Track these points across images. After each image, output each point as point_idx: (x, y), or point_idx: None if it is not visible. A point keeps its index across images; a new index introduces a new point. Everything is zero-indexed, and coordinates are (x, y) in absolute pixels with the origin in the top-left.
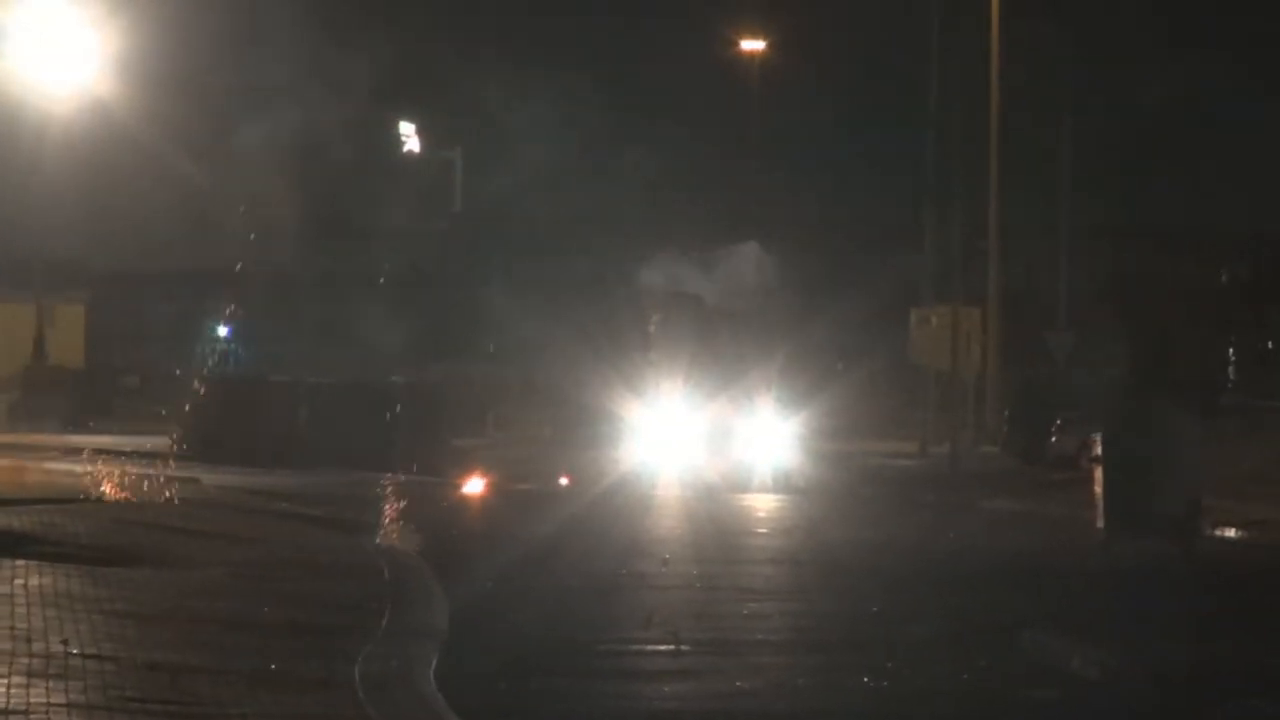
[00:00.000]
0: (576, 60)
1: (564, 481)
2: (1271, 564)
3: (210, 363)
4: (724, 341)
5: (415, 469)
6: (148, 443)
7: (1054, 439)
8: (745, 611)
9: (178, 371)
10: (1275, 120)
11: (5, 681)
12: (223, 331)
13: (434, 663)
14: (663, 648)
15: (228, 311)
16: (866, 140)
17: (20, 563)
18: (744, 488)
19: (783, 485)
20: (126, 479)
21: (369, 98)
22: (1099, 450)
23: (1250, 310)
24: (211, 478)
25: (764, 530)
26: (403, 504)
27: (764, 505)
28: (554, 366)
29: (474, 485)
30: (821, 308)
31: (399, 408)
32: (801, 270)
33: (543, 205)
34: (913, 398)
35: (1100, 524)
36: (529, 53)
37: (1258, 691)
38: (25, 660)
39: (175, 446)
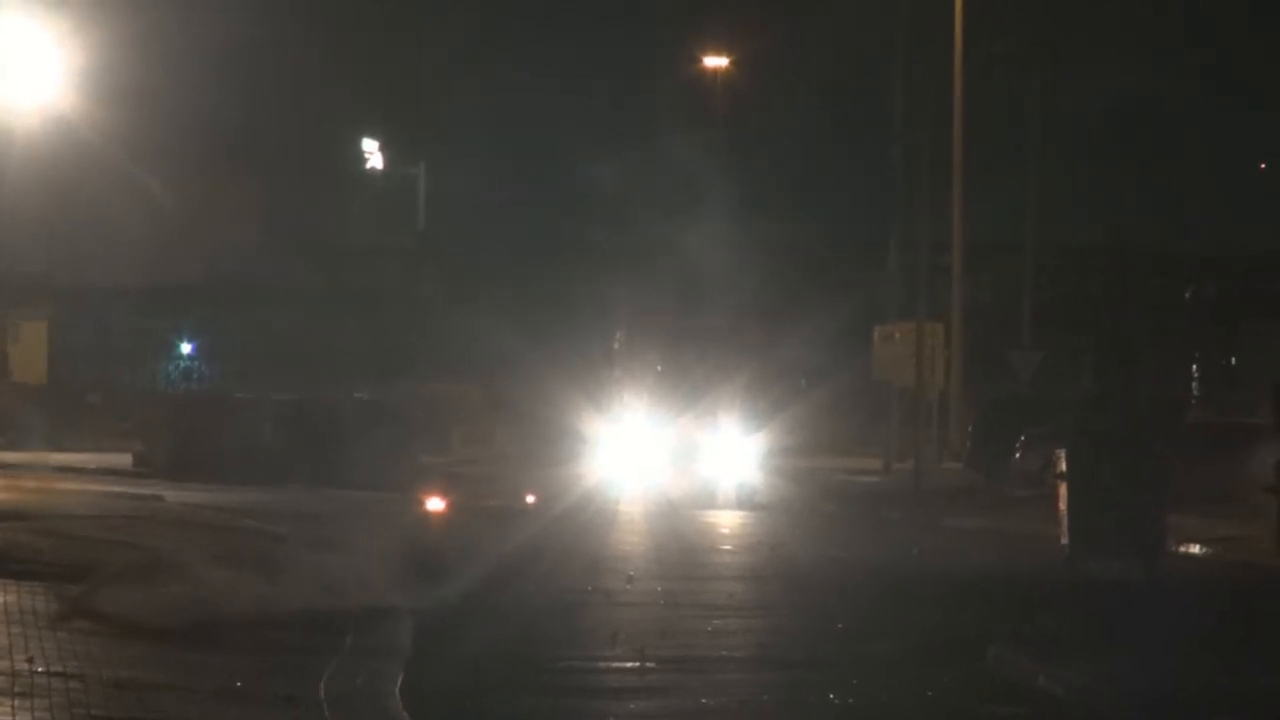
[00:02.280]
0: (542, 77)
1: (529, 499)
2: (1236, 581)
3: (174, 379)
4: (689, 358)
5: (382, 485)
6: (111, 459)
7: (1018, 456)
8: (710, 628)
9: (141, 388)
10: (1243, 140)
11: None
12: (186, 348)
13: (399, 680)
14: (628, 665)
15: (191, 328)
16: (831, 157)
17: None
18: (708, 504)
19: (747, 502)
20: (90, 496)
21: (331, 114)
22: (1063, 467)
23: (1215, 328)
24: (175, 495)
25: (728, 547)
26: (368, 520)
27: (728, 522)
28: (519, 383)
29: (439, 502)
30: (787, 325)
31: (364, 424)
32: (768, 287)
33: (508, 222)
34: (877, 415)
35: (1065, 541)
36: (493, 69)
37: (1223, 710)
38: None
39: (139, 463)
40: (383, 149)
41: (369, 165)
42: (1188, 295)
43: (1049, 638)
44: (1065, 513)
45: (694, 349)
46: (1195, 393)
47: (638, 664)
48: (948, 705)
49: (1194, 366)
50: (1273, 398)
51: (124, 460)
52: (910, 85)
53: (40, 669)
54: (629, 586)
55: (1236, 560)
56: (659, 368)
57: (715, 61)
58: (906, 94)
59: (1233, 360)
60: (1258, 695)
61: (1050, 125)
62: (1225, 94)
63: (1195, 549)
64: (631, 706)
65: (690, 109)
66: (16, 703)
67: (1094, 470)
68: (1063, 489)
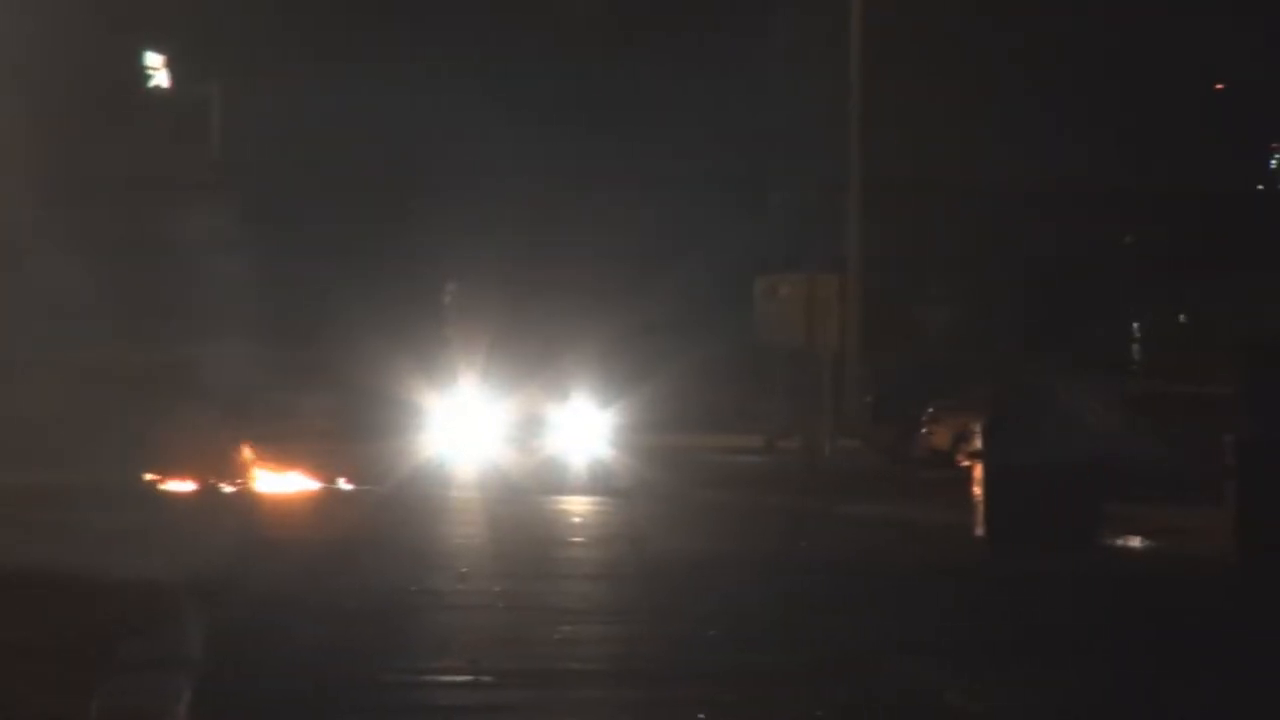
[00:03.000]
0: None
1: (343, 481)
2: (1179, 579)
3: None
4: (533, 316)
5: (167, 467)
6: None
7: (925, 431)
8: (558, 635)
9: None
10: (1194, 69)
11: None
12: None
13: (186, 698)
14: (460, 679)
15: None
16: (703, 77)
17: None
18: (556, 489)
19: (602, 486)
20: None
21: (105, 23)
22: (979, 444)
23: (1162, 280)
24: None
25: (580, 539)
26: (152, 510)
27: (580, 510)
28: (334, 344)
29: (238, 487)
30: (651, 277)
31: (143, 394)
32: (628, 230)
33: (322, 152)
34: (759, 384)
35: (980, 532)
36: None
37: None
38: None
39: None
40: (170, 64)
41: (153, 83)
42: (1129, 241)
43: (957, 646)
44: (981, 499)
45: (539, 305)
46: (1137, 356)
47: (471, 678)
48: None
49: (1135, 325)
50: (1237, 360)
51: None
52: None
53: None
54: (461, 586)
55: (1183, 555)
56: (497, 327)
57: None
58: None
59: (1181, 318)
60: (1186, 710)
61: (973, 41)
62: (1175, 7)
63: (1136, 541)
64: None
65: (552, 20)
66: None
67: (1015, 449)
68: (978, 471)
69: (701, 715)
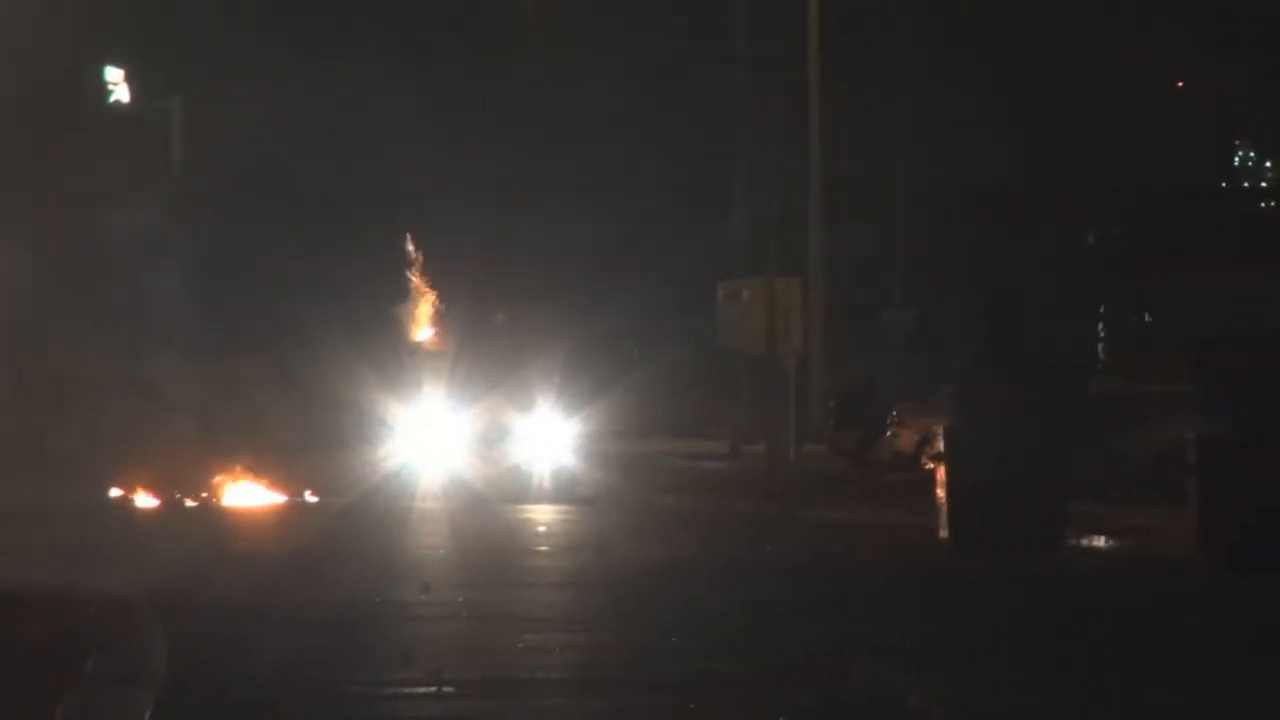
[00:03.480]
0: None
1: (308, 493)
2: (1145, 580)
3: None
4: (498, 326)
5: (133, 482)
6: None
7: (889, 434)
8: (521, 645)
9: None
10: (1155, 68)
11: None
12: None
13: (149, 712)
14: (423, 690)
15: None
16: (666, 85)
17: None
18: (521, 498)
19: (567, 494)
20: None
21: (65, 38)
22: (941, 446)
23: (1125, 279)
24: None
25: (545, 548)
26: (116, 524)
27: (545, 519)
28: (300, 356)
29: (202, 501)
30: (616, 284)
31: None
32: (593, 240)
33: (284, 166)
34: (724, 389)
35: (945, 534)
36: None
37: None
38: None
39: None
40: (130, 79)
41: (114, 99)
42: (1092, 240)
43: (920, 650)
44: (944, 501)
45: (504, 315)
46: (1102, 356)
47: (434, 689)
48: None
49: (1100, 326)
50: (1187, 358)
51: None
52: None
53: None
54: (425, 596)
55: (1148, 554)
56: (461, 337)
57: None
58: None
59: (1146, 318)
60: (1155, 713)
61: (933, 44)
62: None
63: (1100, 541)
64: None
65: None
66: None
67: (978, 450)
68: (941, 473)
69: None
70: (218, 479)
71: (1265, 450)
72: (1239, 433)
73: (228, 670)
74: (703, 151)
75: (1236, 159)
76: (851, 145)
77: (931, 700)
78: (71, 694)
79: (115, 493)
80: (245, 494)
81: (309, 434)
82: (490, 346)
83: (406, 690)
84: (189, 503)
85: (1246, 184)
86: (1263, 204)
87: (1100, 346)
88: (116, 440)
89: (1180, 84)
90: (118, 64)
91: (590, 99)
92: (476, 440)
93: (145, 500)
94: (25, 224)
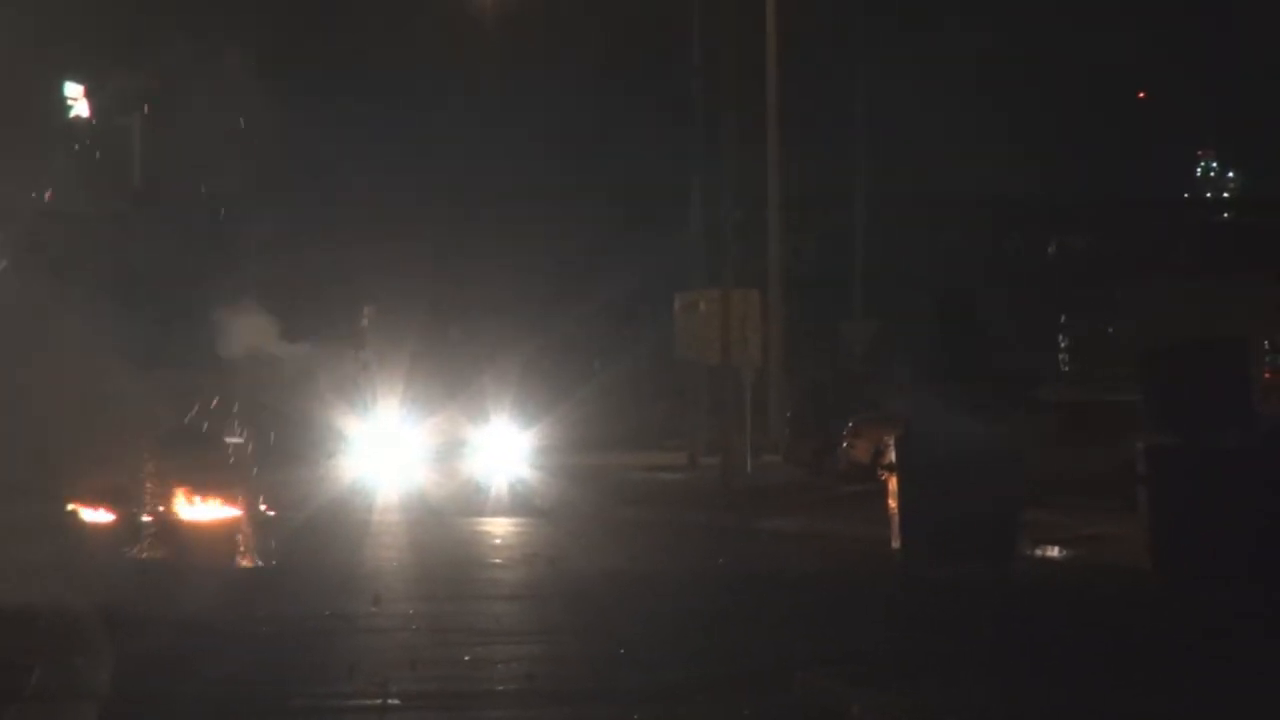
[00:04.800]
0: (280, 11)
1: (263, 507)
2: (1098, 589)
3: None
4: (452, 338)
5: (86, 497)
6: None
7: (846, 445)
8: (469, 657)
9: None
10: (1118, 78)
11: None
12: None
13: None
14: (368, 702)
15: None
16: (624, 98)
17: None
18: (476, 510)
19: (523, 506)
20: None
21: (26, 53)
22: (893, 457)
23: (1087, 289)
24: None
25: (499, 560)
26: (69, 540)
27: (500, 530)
28: (256, 370)
29: (158, 516)
30: (574, 296)
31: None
32: (551, 251)
33: (242, 181)
34: (683, 401)
35: (896, 544)
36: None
37: None
38: None
39: None
40: (90, 95)
41: (74, 114)
42: (1053, 250)
43: (868, 660)
44: (896, 510)
45: (459, 327)
46: (1065, 366)
47: (379, 701)
48: None
49: (1060, 336)
50: (1139, 368)
51: None
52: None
53: None
54: (376, 609)
55: (1101, 564)
56: (416, 349)
57: None
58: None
59: (1110, 330)
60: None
61: (890, 53)
62: (1099, 19)
63: (1054, 551)
64: None
65: (456, 48)
66: None
67: (931, 459)
68: (893, 483)
69: None
70: (173, 493)
71: (1212, 460)
72: (1187, 443)
73: (175, 685)
74: (661, 164)
75: (1199, 169)
76: (811, 158)
77: (874, 711)
78: (12, 710)
79: (69, 508)
80: (202, 508)
81: (267, 448)
82: (446, 359)
83: (353, 703)
84: (145, 518)
85: (1209, 194)
86: (1224, 214)
87: (1064, 356)
88: (68, 456)
89: (1143, 95)
90: (77, 79)
91: (548, 111)
92: (433, 453)
93: (99, 515)
94: None
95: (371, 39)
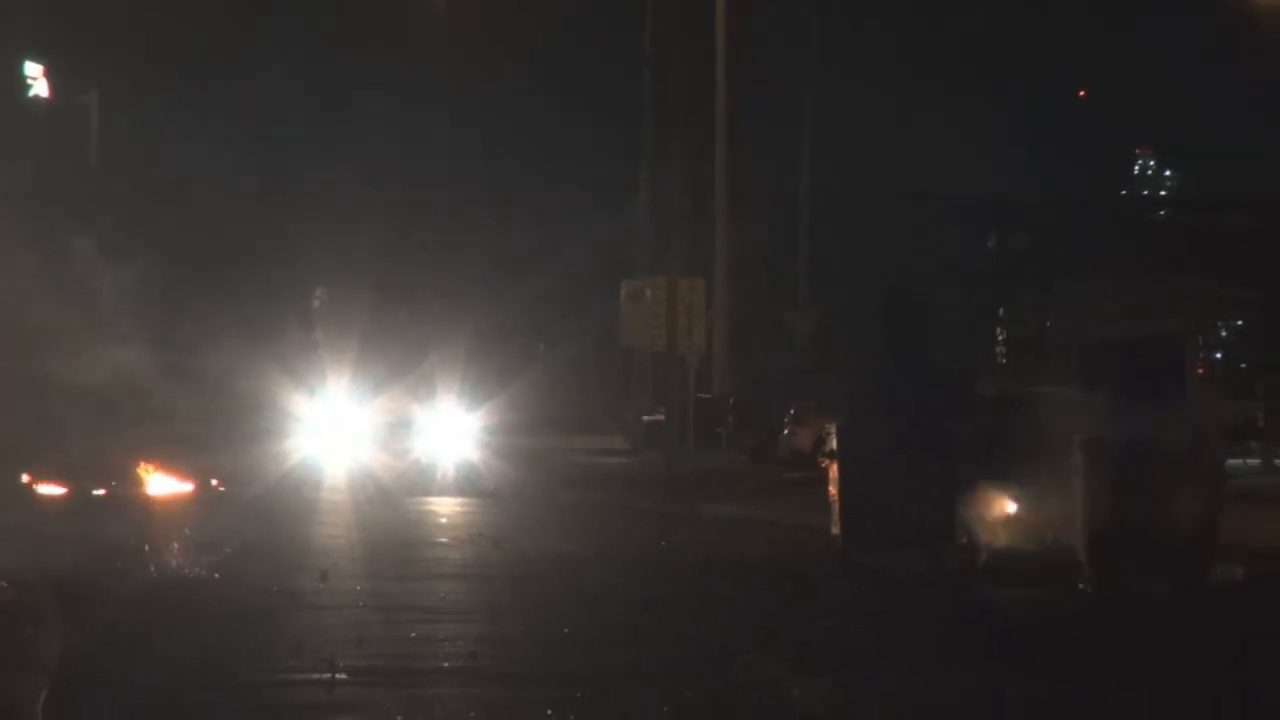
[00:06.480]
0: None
1: (214, 484)
2: (1027, 575)
3: None
4: (401, 319)
5: (41, 470)
6: None
7: (787, 432)
8: (414, 634)
9: None
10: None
11: None
12: None
13: (42, 698)
14: (314, 677)
15: None
16: (573, 85)
17: None
18: (423, 490)
19: (468, 487)
20: None
21: None
22: (834, 444)
23: (1025, 284)
24: None
25: (444, 540)
26: (22, 512)
27: (446, 510)
28: (205, 350)
29: (111, 490)
30: (521, 281)
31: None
32: (498, 235)
33: (195, 160)
34: (628, 387)
35: (835, 531)
36: None
37: None
38: None
39: None
40: (49, 74)
41: (33, 93)
42: (991, 245)
43: (807, 645)
44: (837, 498)
45: (407, 309)
46: (1002, 359)
47: (326, 676)
48: None
49: (999, 329)
50: (1075, 362)
51: None
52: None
53: None
54: (322, 586)
55: (1035, 551)
56: (365, 331)
57: None
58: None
59: (1047, 323)
60: (1027, 705)
61: (837, 49)
62: (1039, 16)
63: (989, 540)
64: None
65: (408, 30)
66: None
67: (870, 447)
68: (833, 470)
69: (549, 711)
70: (126, 468)
71: (1141, 455)
72: (1114, 434)
73: (122, 658)
74: (610, 151)
75: (1136, 167)
76: (760, 151)
77: (812, 695)
78: None
79: (23, 480)
80: (154, 483)
81: (219, 426)
82: (393, 341)
83: (298, 677)
84: (97, 491)
85: (1146, 192)
86: (1161, 212)
87: (1001, 349)
88: (23, 429)
89: (1083, 93)
90: (36, 59)
91: (498, 98)
92: (380, 433)
93: (52, 489)
94: None
95: (325, 25)
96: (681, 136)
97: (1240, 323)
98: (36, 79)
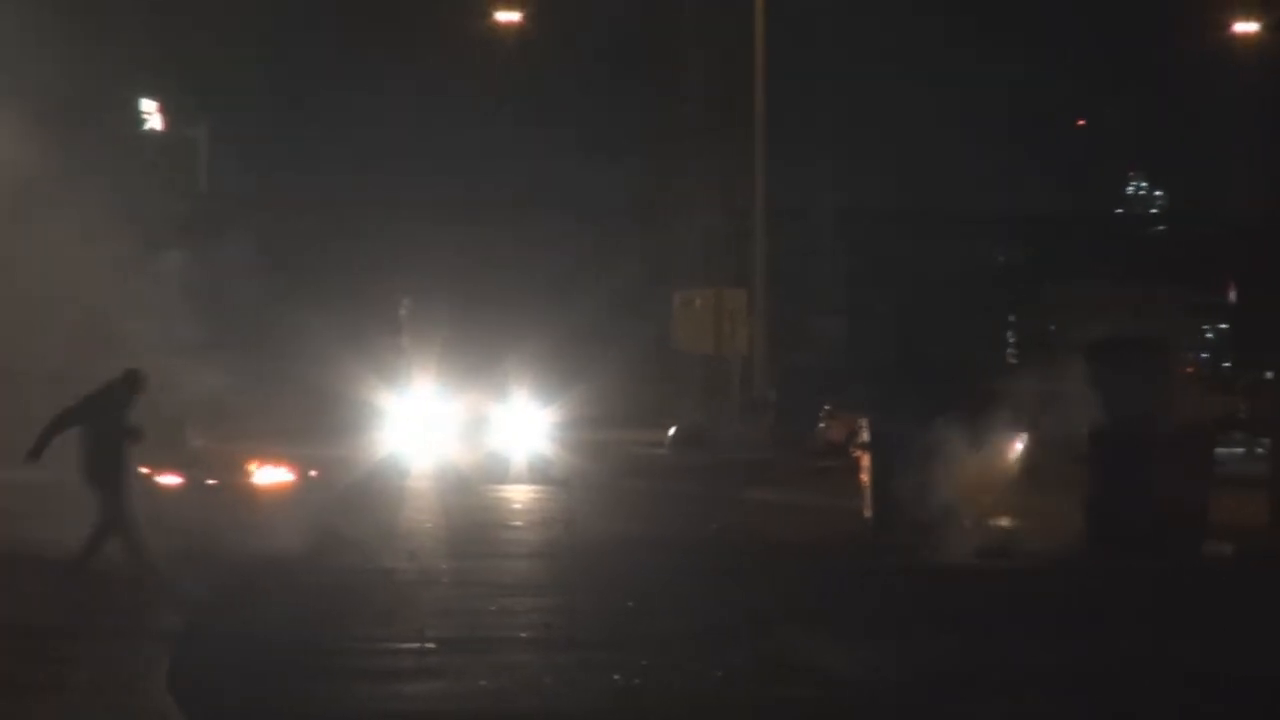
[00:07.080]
0: (323, 36)
1: (313, 474)
2: (1039, 558)
3: None
4: (479, 326)
5: (158, 463)
6: None
7: (822, 426)
8: (494, 607)
9: None
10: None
11: None
12: None
13: (167, 666)
14: (406, 646)
15: None
16: (627, 111)
17: None
18: (500, 479)
19: (540, 476)
20: None
21: (108, 73)
22: (865, 437)
23: (1029, 293)
24: None
25: (519, 523)
26: (137, 502)
27: (520, 497)
28: (304, 353)
29: (220, 479)
30: (585, 289)
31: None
32: (563, 250)
33: (297, 187)
34: (680, 385)
35: (867, 514)
36: (277, 29)
37: (1018, 690)
38: None
39: None
40: (163, 110)
41: (147, 127)
42: (1001, 259)
43: (844, 617)
44: (867, 485)
45: (485, 316)
46: (1013, 360)
47: (417, 645)
48: (734, 687)
49: (1009, 334)
50: (1084, 359)
51: None
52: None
53: None
54: (410, 564)
55: (1042, 534)
56: (447, 336)
57: (507, 16)
58: (702, 44)
59: (1051, 327)
60: (1045, 674)
61: (855, 83)
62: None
63: (1003, 522)
64: (408, 690)
65: (480, 64)
66: None
67: (895, 440)
68: (865, 460)
69: (616, 676)
70: (234, 460)
71: (1135, 443)
72: (1119, 426)
73: (236, 627)
74: (660, 173)
75: (1130, 188)
76: (795, 171)
77: (846, 661)
78: (101, 647)
79: (143, 470)
80: (259, 474)
81: (317, 422)
82: (471, 344)
83: (389, 645)
84: (209, 481)
85: (1138, 210)
86: (1153, 227)
87: (1011, 351)
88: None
89: (1081, 121)
90: (153, 95)
91: (560, 126)
92: (460, 428)
93: (169, 479)
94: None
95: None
96: (719, 170)
97: (1224, 326)
98: (151, 114)
